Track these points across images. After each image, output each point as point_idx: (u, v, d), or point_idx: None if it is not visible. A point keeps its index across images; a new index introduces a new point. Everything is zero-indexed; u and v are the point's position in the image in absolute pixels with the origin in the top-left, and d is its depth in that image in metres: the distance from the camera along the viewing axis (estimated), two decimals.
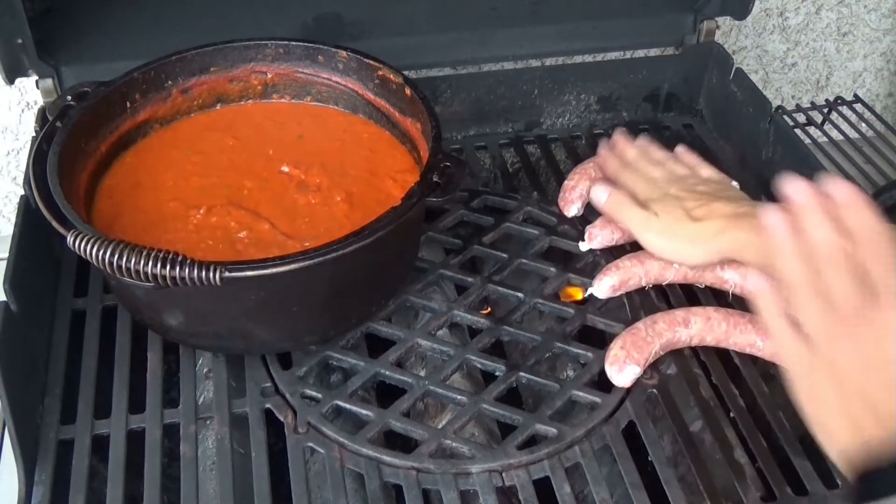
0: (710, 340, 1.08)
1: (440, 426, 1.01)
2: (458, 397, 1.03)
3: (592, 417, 1.01)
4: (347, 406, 1.01)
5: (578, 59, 1.49)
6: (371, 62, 1.16)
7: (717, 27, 1.45)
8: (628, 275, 1.13)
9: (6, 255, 1.03)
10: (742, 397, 1.06)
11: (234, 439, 0.99)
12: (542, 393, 1.08)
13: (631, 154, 1.22)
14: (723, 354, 1.10)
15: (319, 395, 1.02)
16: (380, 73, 1.15)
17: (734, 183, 1.22)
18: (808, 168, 1.22)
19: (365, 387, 1.05)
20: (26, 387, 0.99)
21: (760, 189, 1.34)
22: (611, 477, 1.00)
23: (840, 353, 0.77)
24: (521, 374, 1.05)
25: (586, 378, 1.05)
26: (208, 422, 1.01)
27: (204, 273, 0.84)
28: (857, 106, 1.58)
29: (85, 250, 0.84)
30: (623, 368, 1.03)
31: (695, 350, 1.10)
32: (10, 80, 1.19)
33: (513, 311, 1.13)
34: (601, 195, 1.17)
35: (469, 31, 1.40)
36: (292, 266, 0.88)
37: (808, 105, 1.57)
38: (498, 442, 1.02)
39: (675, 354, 1.09)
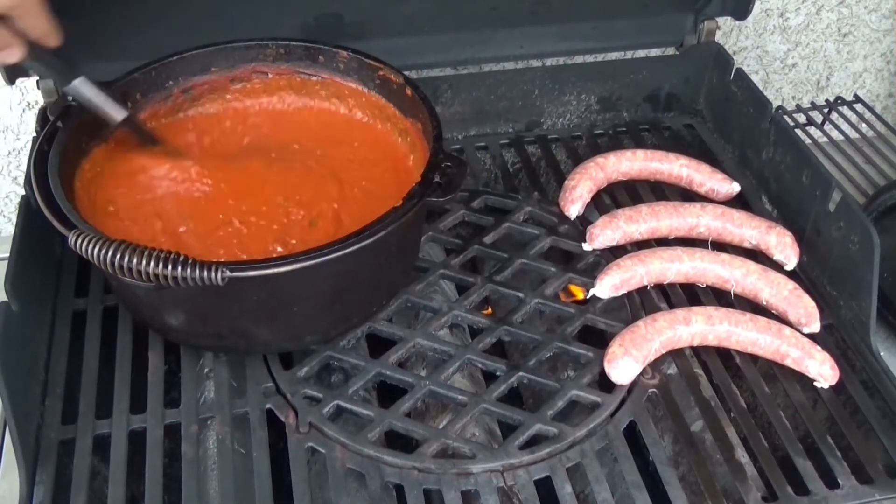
0: (711, 340, 1.08)
1: (441, 426, 1.01)
2: (460, 397, 1.03)
3: (593, 417, 1.01)
4: (349, 406, 1.01)
5: (579, 59, 1.49)
6: (372, 62, 1.16)
7: (718, 27, 1.45)
8: (629, 274, 1.13)
9: (7, 255, 1.03)
10: (743, 397, 1.07)
11: (235, 439, 0.99)
12: (542, 393, 1.08)
13: None
14: (723, 354, 1.10)
15: (321, 395, 1.02)
16: (380, 73, 1.15)
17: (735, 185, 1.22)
18: (809, 168, 1.22)
19: (366, 387, 1.05)
20: (27, 387, 0.99)
21: (761, 189, 1.34)
22: (612, 477, 1.00)
23: None
24: (522, 374, 1.05)
25: (587, 378, 1.05)
26: (209, 422, 1.01)
27: (205, 273, 0.84)
28: (858, 106, 1.59)
29: (86, 250, 0.84)
30: (621, 365, 1.03)
31: (695, 350, 1.10)
32: (11, 81, 1.19)
33: (513, 311, 1.13)
34: None
35: (469, 31, 1.40)
36: (294, 266, 0.88)
37: (809, 105, 1.57)
38: (499, 442, 1.02)
39: (676, 354, 1.09)
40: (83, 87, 1.01)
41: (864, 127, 1.56)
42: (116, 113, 1.04)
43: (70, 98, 1.05)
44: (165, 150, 1.10)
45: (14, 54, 0.94)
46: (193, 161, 1.09)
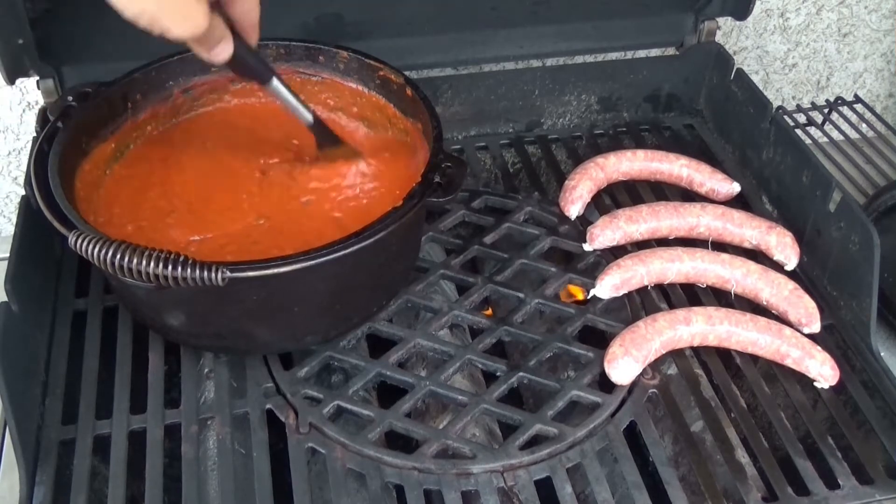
0: (711, 340, 1.08)
1: (441, 426, 1.01)
2: (460, 398, 1.03)
3: (593, 418, 1.01)
4: (349, 406, 1.01)
5: (579, 59, 1.49)
6: (372, 62, 1.16)
7: (718, 28, 1.45)
8: (630, 274, 1.13)
9: (6, 255, 1.03)
10: (743, 397, 1.07)
11: (235, 439, 0.99)
12: (543, 393, 1.08)
13: None
14: (724, 355, 1.10)
15: (321, 396, 1.02)
16: (381, 73, 1.15)
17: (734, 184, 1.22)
18: (809, 168, 1.22)
19: (366, 387, 1.05)
20: (27, 387, 0.99)
21: (761, 189, 1.34)
22: (612, 477, 1.00)
23: None
24: (523, 374, 1.05)
25: (587, 378, 1.05)
26: (209, 422, 1.01)
27: (206, 273, 0.84)
28: (858, 106, 1.59)
29: (86, 250, 0.84)
30: (622, 366, 1.03)
31: (696, 350, 1.10)
32: (11, 81, 1.19)
33: (514, 312, 1.13)
34: None
35: (469, 31, 1.40)
36: (294, 266, 0.88)
37: (809, 105, 1.57)
38: (499, 442, 1.02)
39: (676, 355, 1.09)
40: (280, 88, 1.02)
41: (864, 127, 1.56)
42: (307, 115, 1.06)
43: (70, 98, 1.03)
44: (345, 151, 1.10)
45: (226, 49, 0.92)
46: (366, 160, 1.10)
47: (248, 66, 0.98)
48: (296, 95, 1.05)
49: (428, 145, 1.05)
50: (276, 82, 1.02)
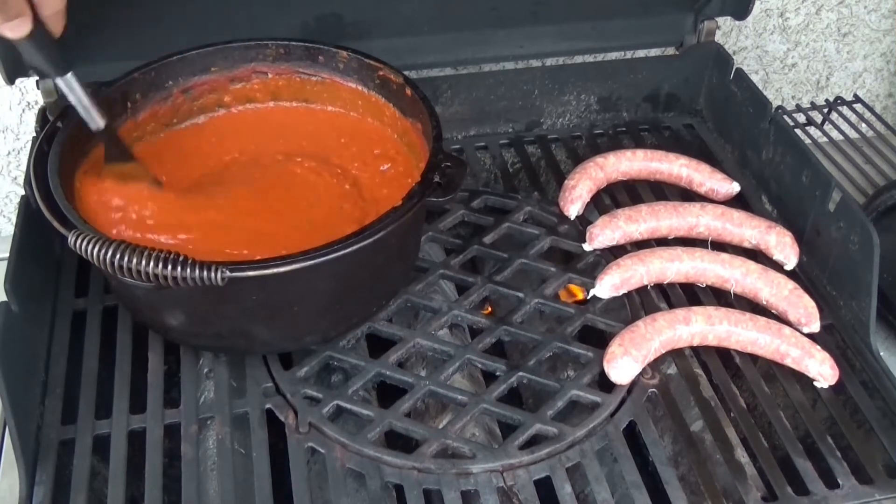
0: (711, 339, 1.08)
1: (441, 426, 1.01)
2: (459, 397, 1.03)
3: (593, 417, 1.01)
4: (348, 406, 1.01)
5: (579, 59, 1.49)
6: (371, 62, 1.16)
7: (718, 27, 1.45)
8: (629, 273, 1.13)
9: (6, 255, 1.03)
10: (743, 397, 1.07)
11: (235, 439, 0.99)
12: (542, 393, 1.08)
13: None
14: (723, 354, 1.10)
15: (320, 396, 1.02)
16: (380, 73, 1.15)
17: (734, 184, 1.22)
18: (809, 168, 1.22)
19: (366, 387, 1.05)
20: (27, 387, 0.99)
21: (761, 189, 1.34)
22: (611, 477, 1.00)
23: None
24: (522, 374, 1.05)
25: (587, 378, 1.05)
26: (209, 422, 1.01)
27: (205, 273, 0.84)
28: (857, 106, 1.59)
29: (86, 250, 0.84)
30: (621, 365, 1.03)
31: (695, 350, 1.11)
32: (11, 80, 1.19)
33: (513, 311, 1.13)
34: None
35: (469, 31, 1.40)
36: (293, 266, 0.88)
37: (808, 105, 1.57)
38: (499, 442, 1.02)
39: (676, 354, 1.09)
40: (74, 84, 0.98)
41: (863, 127, 1.56)
42: (98, 120, 1.01)
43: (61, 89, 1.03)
44: (137, 170, 1.04)
45: (23, 27, 0.89)
46: (160, 192, 1.04)
47: (44, 51, 0.94)
48: (91, 98, 1.00)
49: (428, 145, 1.05)
50: (70, 77, 0.97)
